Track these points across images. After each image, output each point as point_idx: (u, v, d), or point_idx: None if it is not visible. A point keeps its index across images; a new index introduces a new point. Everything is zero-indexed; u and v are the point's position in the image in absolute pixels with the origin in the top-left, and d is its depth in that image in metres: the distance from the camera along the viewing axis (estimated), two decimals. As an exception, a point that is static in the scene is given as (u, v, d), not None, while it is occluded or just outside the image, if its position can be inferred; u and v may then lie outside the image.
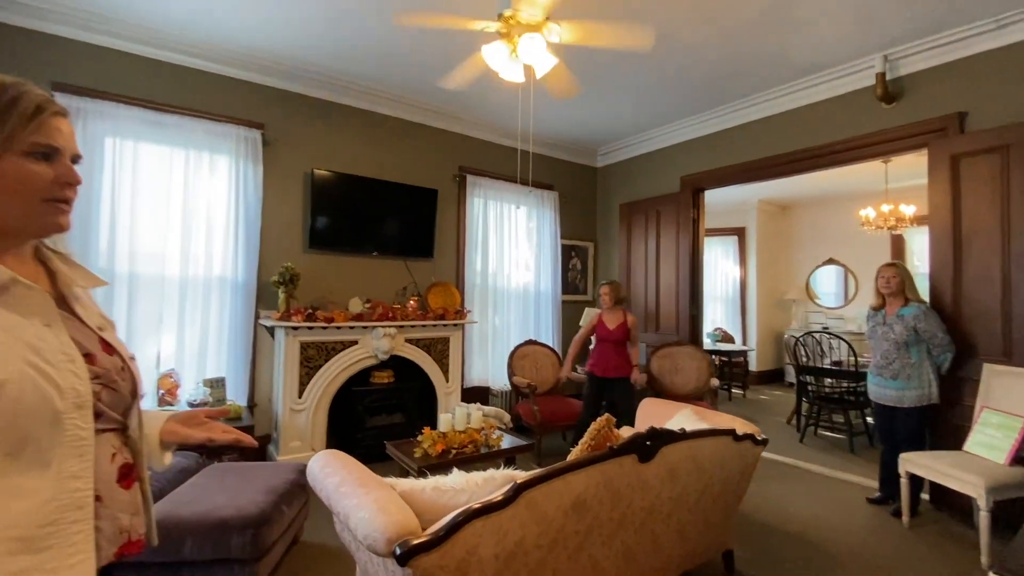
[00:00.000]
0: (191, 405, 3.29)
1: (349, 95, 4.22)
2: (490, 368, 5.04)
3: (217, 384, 3.45)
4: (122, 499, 0.82)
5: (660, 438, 1.83)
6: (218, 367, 3.61)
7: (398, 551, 1.31)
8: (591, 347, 4.27)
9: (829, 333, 5.17)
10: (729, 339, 7.86)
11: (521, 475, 1.59)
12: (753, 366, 7.73)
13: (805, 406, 4.85)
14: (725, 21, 3.09)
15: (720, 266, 8.36)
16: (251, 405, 3.73)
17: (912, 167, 5.66)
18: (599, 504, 1.66)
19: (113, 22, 3.23)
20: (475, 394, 4.81)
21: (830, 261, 7.83)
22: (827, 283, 7.93)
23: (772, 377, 8.05)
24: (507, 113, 4.69)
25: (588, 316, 5.34)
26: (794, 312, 8.07)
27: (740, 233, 8.16)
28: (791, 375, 7.25)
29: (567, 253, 5.74)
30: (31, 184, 0.75)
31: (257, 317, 3.78)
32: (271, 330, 3.84)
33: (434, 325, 4.27)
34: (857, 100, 3.69)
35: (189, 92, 3.58)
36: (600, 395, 3.97)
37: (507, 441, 3.22)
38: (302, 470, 2.47)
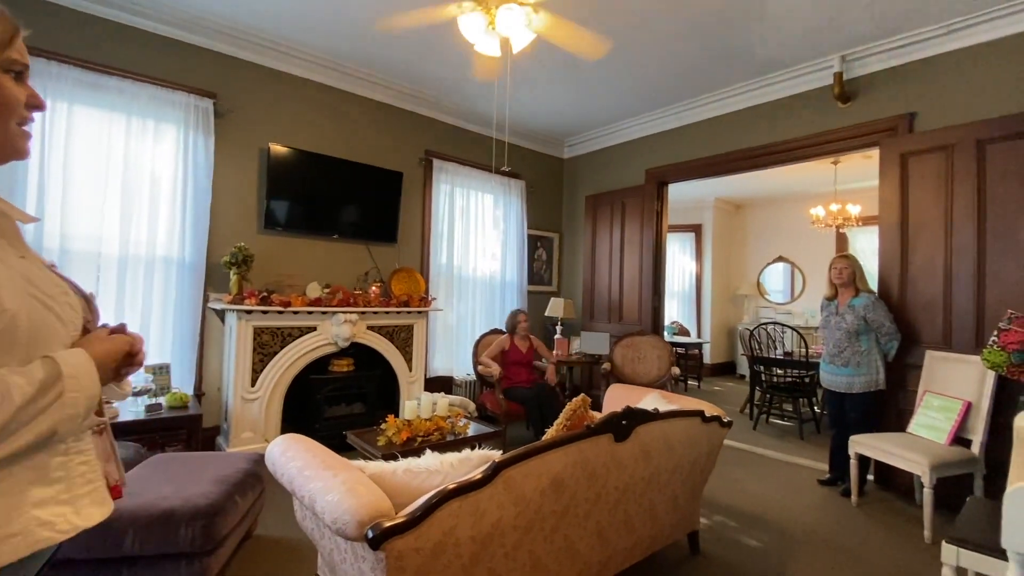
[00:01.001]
0: (133, 395, 3.04)
1: (312, 69, 4.01)
2: (454, 358, 4.95)
3: (161, 371, 3.20)
4: (97, 445, 0.81)
5: (635, 418, 1.82)
6: (162, 353, 3.35)
7: (371, 534, 1.22)
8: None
9: (781, 325, 5.39)
10: (685, 332, 8.08)
11: (498, 455, 1.53)
12: (707, 358, 7.98)
13: (758, 395, 5.03)
14: (692, 11, 3.12)
15: (678, 262, 8.58)
16: (199, 394, 3.49)
17: (859, 169, 5.98)
18: (575, 484, 1.63)
19: (43, -30, 2.92)
20: (439, 384, 4.71)
21: (779, 259, 8.19)
22: (776, 280, 8.29)
23: (725, 369, 8.35)
24: (477, 98, 4.60)
25: (553, 307, 5.35)
26: (746, 307, 8.39)
27: (697, 230, 8.40)
28: (743, 367, 7.53)
29: (533, 243, 5.72)
30: (9, 105, 0.70)
31: (206, 300, 3.53)
32: (221, 314, 3.60)
33: (397, 312, 4.14)
34: (815, 98, 3.84)
35: (133, 53, 3.30)
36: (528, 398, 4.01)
37: (473, 429, 3.15)
38: (257, 460, 2.32)
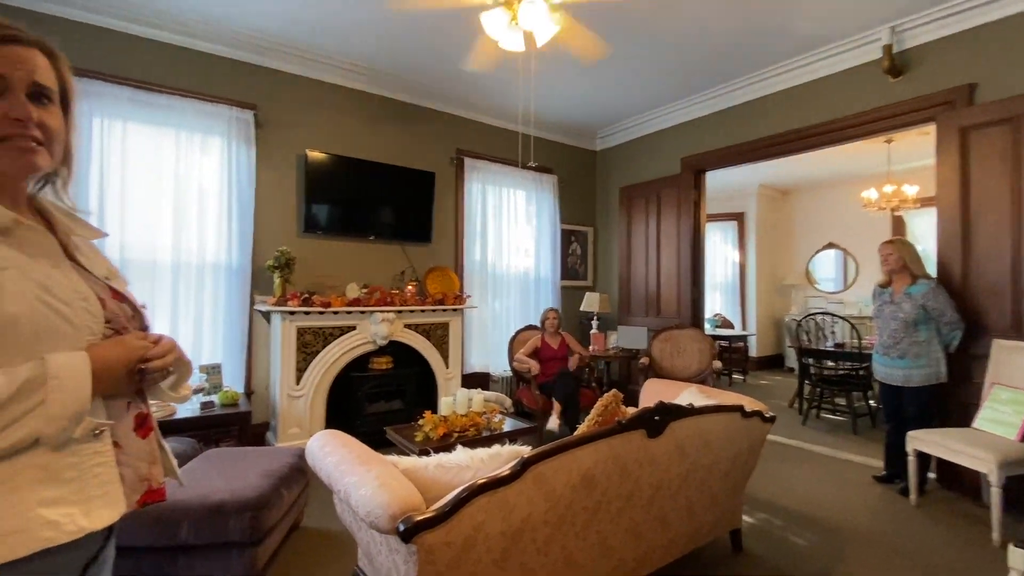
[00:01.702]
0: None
1: (344, 75, 4.12)
2: (490, 354, 4.98)
3: (213, 371, 3.39)
4: (140, 448, 0.83)
5: (669, 413, 1.78)
6: (214, 354, 3.54)
7: (402, 527, 1.25)
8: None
9: (832, 315, 5.14)
10: (728, 325, 7.83)
11: (527, 450, 1.53)
12: (753, 351, 7.71)
13: (807, 389, 4.82)
14: (729, -9, 3.01)
15: (719, 252, 8.31)
16: (248, 392, 3.67)
17: (915, 147, 5.61)
18: (607, 480, 1.61)
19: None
20: (475, 380, 4.76)
21: (830, 245, 7.79)
22: (827, 268, 7.89)
23: (772, 362, 8.03)
24: (506, 95, 4.59)
25: (588, 302, 5.30)
26: (794, 297, 8.03)
27: (739, 218, 8.10)
28: (792, 360, 7.23)
29: (567, 238, 5.67)
30: None
31: (252, 303, 3.71)
32: (267, 315, 3.77)
33: (433, 310, 4.21)
34: (862, 74, 3.62)
35: (180, 71, 3.48)
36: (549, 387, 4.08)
37: (509, 424, 3.17)
38: (301, 454, 2.41)
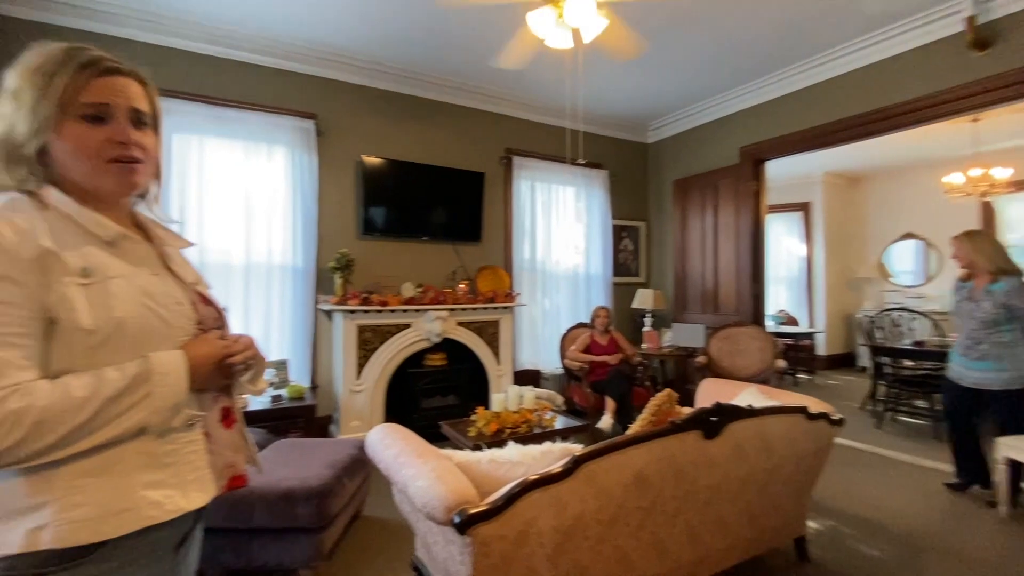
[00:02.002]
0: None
1: (396, 81, 4.25)
2: (540, 352, 5.00)
3: (281, 366, 3.61)
4: (225, 438, 0.90)
5: (726, 414, 1.73)
6: (281, 350, 3.77)
7: (457, 519, 1.30)
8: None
9: (909, 311, 4.76)
10: (793, 322, 7.44)
11: (579, 448, 1.54)
12: (821, 350, 7.28)
13: (882, 390, 4.50)
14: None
15: (783, 245, 7.89)
16: (313, 386, 3.88)
17: (1007, 126, 5.09)
18: (661, 480, 1.59)
19: (175, 22, 3.40)
20: (526, 377, 4.79)
21: (908, 236, 7.21)
22: (905, 260, 7.31)
23: (842, 361, 7.55)
24: (554, 91, 4.58)
25: (641, 299, 5.20)
26: (867, 292, 7.51)
27: (805, 209, 7.66)
28: (865, 359, 6.76)
29: (618, 234, 5.58)
30: (87, 147, 0.77)
31: (316, 302, 3.91)
32: (329, 314, 3.97)
33: (484, 308, 4.27)
34: (940, 50, 3.33)
35: (247, 86, 3.73)
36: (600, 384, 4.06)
37: (560, 422, 3.18)
38: (361, 446, 2.52)
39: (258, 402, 3.28)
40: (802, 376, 6.54)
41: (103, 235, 0.78)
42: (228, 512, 1.94)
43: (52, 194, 0.76)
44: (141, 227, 0.91)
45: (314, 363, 3.92)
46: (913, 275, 7.21)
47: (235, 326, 3.61)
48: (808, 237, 7.63)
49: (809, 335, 6.79)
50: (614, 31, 2.45)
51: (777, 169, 5.72)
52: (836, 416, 2.13)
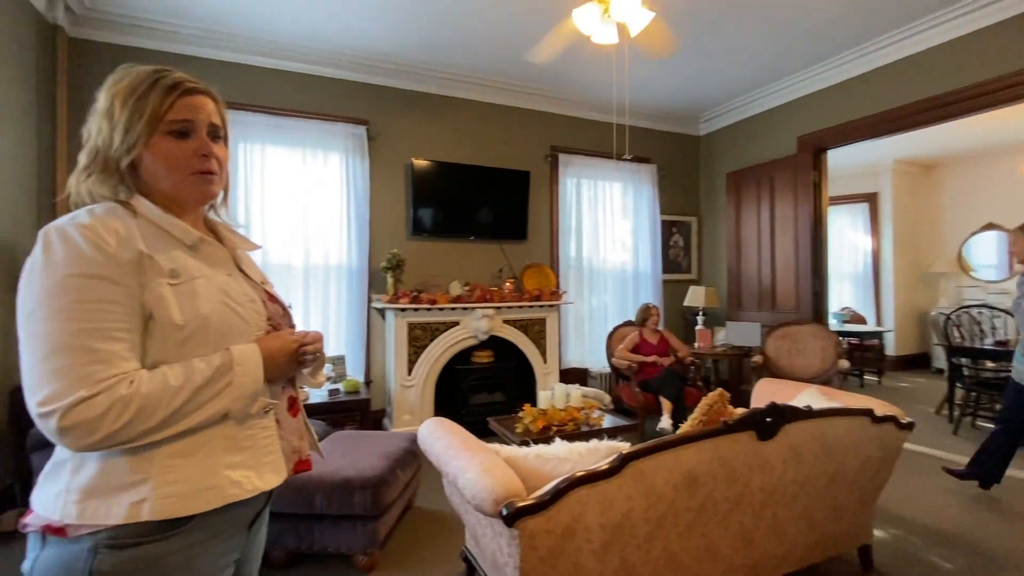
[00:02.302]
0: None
1: (442, 85, 4.35)
2: (587, 350, 4.97)
3: (338, 361, 3.78)
4: (292, 425, 0.97)
5: (781, 415, 1.67)
6: (338, 346, 3.95)
7: (504, 512, 1.33)
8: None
9: (991, 308, 4.38)
10: (860, 320, 7.00)
11: (626, 446, 1.53)
12: (890, 350, 6.82)
13: (960, 393, 4.17)
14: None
15: (847, 238, 7.44)
16: (367, 381, 4.04)
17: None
18: (713, 481, 1.55)
19: (238, 39, 3.63)
20: (574, 376, 4.78)
21: (989, 226, 6.61)
22: (986, 253, 6.71)
23: (915, 362, 7.04)
24: (599, 86, 4.54)
25: (693, 296, 5.06)
26: (943, 288, 6.96)
27: (871, 199, 7.19)
28: (940, 359, 6.28)
29: (667, 229, 5.46)
30: (176, 160, 0.85)
31: (369, 300, 4.07)
32: (382, 312, 4.12)
33: (530, 306, 4.30)
34: (1022, 26, 3.04)
35: (304, 96, 3.92)
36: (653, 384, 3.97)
37: (608, 421, 3.15)
38: (413, 439, 2.61)
39: (317, 396, 3.45)
40: (869, 378, 6.16)
41: (186, 240, 0.86)
42: (292, 497, 2.06)
43: (143, 203, 0.85)
44: (213, 231, 1.00)
45: (368, 359, 4.08)
46: (996, 269, 6.61)
47: (297, 324, 3.81)
48: (875, 230, 7.16)
49: (877, 334, 6.37)
50: (654, 27, 2.41)
51: (839, 158, 5.41)
52: (905, 419, 2.00)
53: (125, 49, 3.44)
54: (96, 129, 0.83)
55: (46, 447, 1.92)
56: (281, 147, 3.83)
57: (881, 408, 2.01)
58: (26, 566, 0.76)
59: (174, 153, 0.84)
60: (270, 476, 0.87)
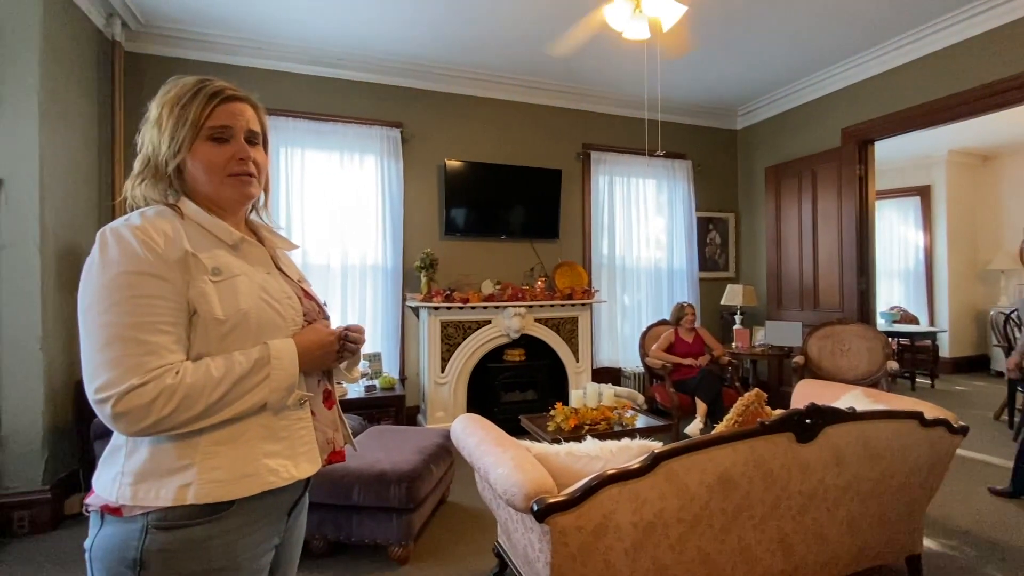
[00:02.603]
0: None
1: (474, 85, 4.39)
2: (620, 349, 4.92)
3: (374, 358, 3.88)
4: (327, 417, 1.01)
5: (822, 416, 1.62)
6: (374, 344, 4.05)
7: (535, 507, 1.34)
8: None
9: (1059, 307, 4.10)
10: (911, 319, 6.66)
11: (658, 445, 1.52)
12: (945, 351, 6.46)
13: (1020, 397, 3.91)
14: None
15: (896, 234, 7.09)
16: (402, 378, 4.13)
17: None
18: (748, 483, 1.52)
19: (279, 47, 3.77)
20: (607, 375, 4.74)
21: (1059, 219, 6.17)
22: (1055, 247, 6.26)
23: (972, 365, 6.64)
24: (631, 82, 4.48)
25: (731, 295, 4.94)
26: (1003, 286, 6.54)
27: (923, 193, 6.82)
28: (1000, 362, 5.90)
29: (704, 226, 5.33)
30: (215, 164, 0.90)
31: (404, 299, 4.15)
32: (416, 310, 4.19)
33: (562, 305, 4.29)
34: (1104, -1, 2.82)
35: (340, 101, 4.04)
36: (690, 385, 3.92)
37: (641, 421, 3.12)
38: (446, 435, 2.66)
39: (355, 392, 3.55)
40: (921, 381, 5.85)
41: (227, 240, 0.91)
42: (331, 489, 2.13)
43: (189, 206, 0.90)
44: (254, 231, 1.05)
45: (403, 356, 4.17)
46: (1066, 265, 6.16)
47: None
48: (927, 224, 6.79)
49: (930, 335, 6.05)
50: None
51: (887, 151, 5.17)
52: (959, 424, 1.90)
53: (176, 61, 3.62)
54: (148, 138, 0.90)
55: (108, 435, 2.06)
56: (320, 151, 3.96)
57: (932, 411, 1.92)
58: (87, 542, 0.83)
59: (214, 157, 0.89)
60: (305, 465, 0.91)
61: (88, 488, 2.68)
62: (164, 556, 0.78)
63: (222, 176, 0.91)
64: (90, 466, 2.61)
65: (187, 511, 0.79)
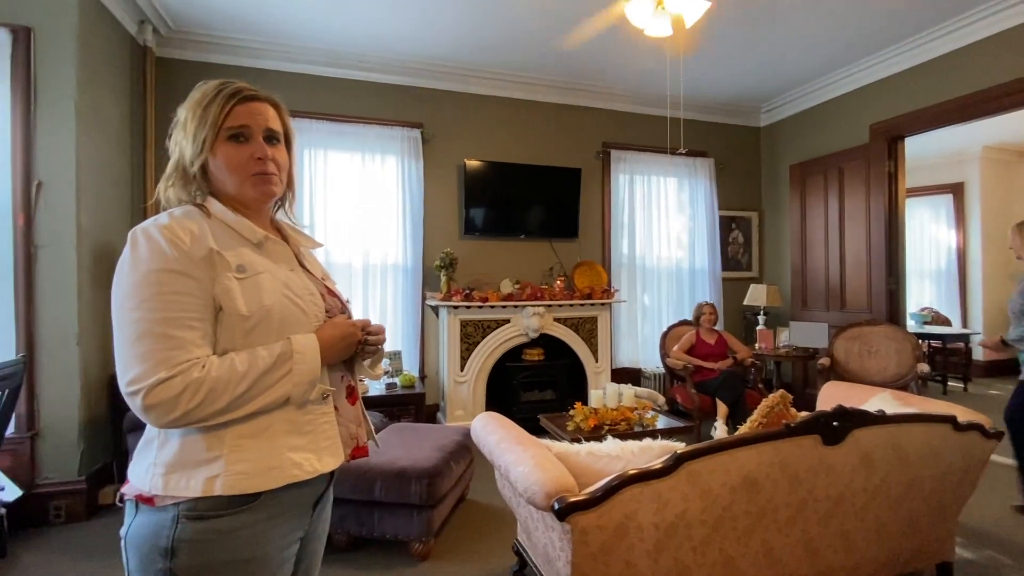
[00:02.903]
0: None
1: (494, 86, 4.40)
2: (640, 350, 4.87)
3: (395, 356, 3.93)
4: (350, 412, 1.02)
5: (850, 418, 1.58)
6: (394, 342, 4.09)
7: (556, 506, 1.34)
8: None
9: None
10: (943, 321, 6.46)
11: (680, 446, 1.51)
12: (978, 354, 6.24)
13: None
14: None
15: (927, 233, 6.88)
16: (422, 376, 4.17)
17: None
18: (773, 486, 1.50)
19: (302, 50, 3.84)
20: (626, 375, 4.71)
21: (1103, 217, 5.90)
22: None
23: (1007, 368, 6.39)
24: (652, 80, 4.44)
25: (754, 295, 4.86)
26: (1043, 286, 6.28)
27: (956, 190, 6.61)
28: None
29: (726, 225, 5.25)
30: (235, 163, 0.93)
31: (424, 298, 4.19)
32: (435, 309, 4.23)
33: (581, 304, 4.27)
34: None
35: (362, 102, 4.09)
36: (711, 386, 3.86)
37: (662, 422, 3.09)
38: (466, 433, 2.67)
39: (375, 389, 3.60)
40: (953, 384, 5.67)
41: (252, 238, 0.93)
42: (353, 484, 2.17)
43: (215, 205, 0.93)
44: (279, 231, 1.07)
45: (422, 355, 4.21)
46: (1111, 265, 5.89)
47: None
48: (960, 223, 6.57)
49: (962, 337, 5.85)
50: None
51: (918, 147, 5.02)
52: (993, 428, 1.84)
53: (204, 65, 3.72)
54: (175, 141, 0.93)
55: (140, 428, 2.12)
56: (342, 152, 4.01)
57: (965, 415, 1.86)
58: (122, 531, 0.87)
59: (234, 157, 0.92)
60: (328, 459, 0.93)
61: (122, 480, 2.77)
62: (194, 545, 0.81)
63: (244, 175, 0.93)
64: (123, 458, 2.70)
65: (215, 502, 0.82)
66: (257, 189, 0.94)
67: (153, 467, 0.83)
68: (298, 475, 0.87)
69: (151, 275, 0.80)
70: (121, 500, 0.88)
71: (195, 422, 0.80)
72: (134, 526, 0.84)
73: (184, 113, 0.92)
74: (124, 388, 0.79)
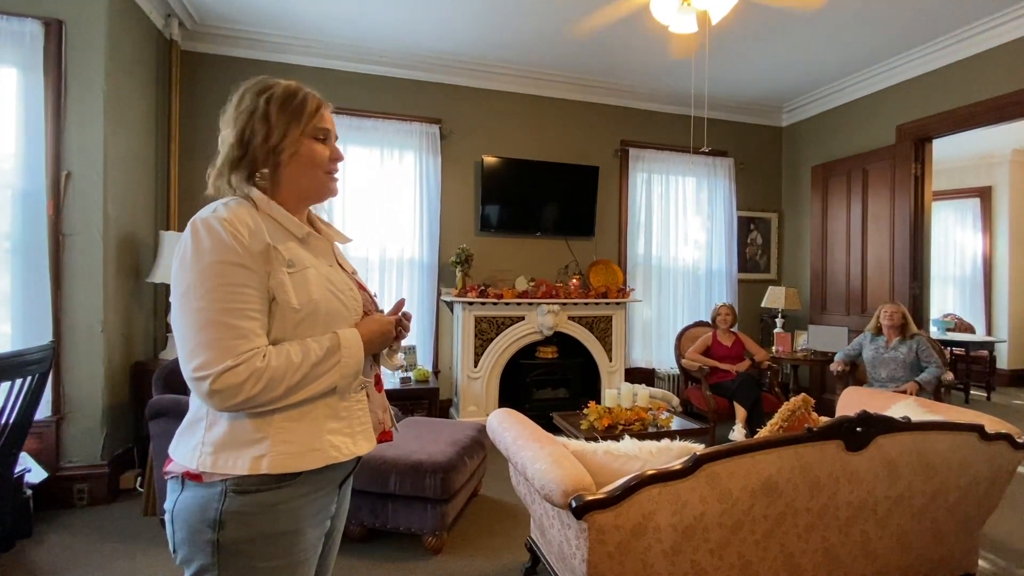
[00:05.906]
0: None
1: (513, 82, 4.39)
2: (654, 350, 4.84)
3: (410, 351, 3.94)
4: (378, 400, 1.08)
5: (874, 425, 1.55)
6: (410, 337, 4.10)
7: (574, 504, 1.34)
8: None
9: None
10: (967, 328, 6.31)
11: (700, 448, 1.49)
12: (1003, 363, 6.09)
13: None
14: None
15: (952, 237, 6.72)
16: (436, 371, 4.18)
17: None
18: (794, 491, 1.48)
19: (325, 45, 3.86)
20: (640, 376, 4.68)
21: None
22: None
23: (1033, 378, 6.24)
24: (673, 78, 4.39)
25: (772, 297, 4.79)
26: (1072, 294, 6.11)
27: (983, 194, 6.44)
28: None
29: (745, 226, 5.18)
30: (318, 160, 0.98)
31: (439, 294, 4.21)
32: (450, 305, 4.24)
33: (596, 303, 4.25)
34: None
35: (382, 97, 4.11)
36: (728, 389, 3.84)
37: (677, 423, 3.07)
38: (480, 428, 2.68)
39: (390, 383, 3.62)
40: (976, 393, 5.54)
41: (298, 233, 0.97)
42: (369, 476, 2.19)
43: (262, 199, 0.95)
44: (311, 223, 1.09)
45: (437, 350, 4.22)
46: None
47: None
48: (987, 228, 6.41)
49: (987, 345, 5.71)
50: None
51: (945, 149, 4.91)
52: (1021, 439, 1.79)
53: (228, 59, 3.75)
54: (251, 130, 0.94)
55: (162, 415, 2.16)
56: (361, 146, 4.04)
57: (993, 424, 1.82)
58: (168, 505, 0.91)
59: (319, 155, 0.98)
60: (363, 443, 0.99)
61: (143, 465, 2.83)
62: (240, 517, 0.86)
63: (321, 172, 0.99)
64: (144, 444, 2.76)
65: (260, 479, 0.87)
66: (327, 186, 1.02)
67: (201, 446, 0.88)
68: (336, 456, 0.93)
69: (215, 266, 0.84)
70: (165, 477, 0.92)
71: (253, 407, 0.85)
72: (181, 500, 0.88)
73: (264, 106, 0.94)
74: (189, 374, 0.83)
